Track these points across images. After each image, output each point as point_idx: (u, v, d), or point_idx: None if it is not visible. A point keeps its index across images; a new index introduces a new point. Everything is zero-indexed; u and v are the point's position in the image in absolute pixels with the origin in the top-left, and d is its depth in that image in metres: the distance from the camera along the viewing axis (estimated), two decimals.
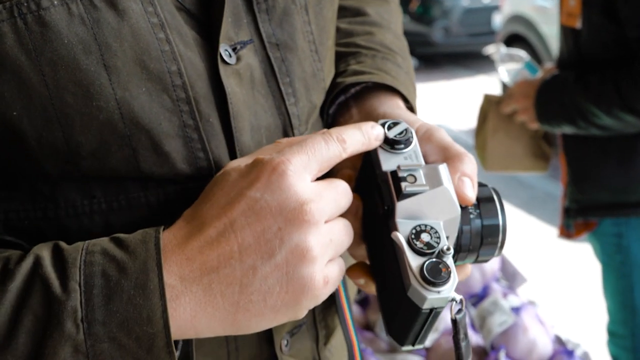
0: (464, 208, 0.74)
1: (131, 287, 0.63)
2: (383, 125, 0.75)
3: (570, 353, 1.59)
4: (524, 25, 6.54)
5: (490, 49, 3.77)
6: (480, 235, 0.75)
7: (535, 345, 1.61)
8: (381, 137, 0.73)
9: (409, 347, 0.72)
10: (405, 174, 0.71)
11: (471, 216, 0.75)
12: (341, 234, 0.69)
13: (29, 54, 0.64)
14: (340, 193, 0.69)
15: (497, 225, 0.76)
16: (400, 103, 0.88)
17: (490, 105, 2.33)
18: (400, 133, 0.74)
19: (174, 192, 0.72)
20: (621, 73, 1.85)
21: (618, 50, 1.89)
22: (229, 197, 0.66)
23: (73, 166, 0.68)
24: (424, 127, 0.79)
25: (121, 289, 0.63)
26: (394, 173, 0.71)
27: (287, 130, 0.81)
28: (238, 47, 0.76)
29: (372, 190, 0.75)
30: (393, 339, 0.72)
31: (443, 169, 0.72)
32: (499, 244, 0.76)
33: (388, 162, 0.73)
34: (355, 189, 0.80)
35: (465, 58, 9.76)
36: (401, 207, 0.70)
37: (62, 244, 0.66)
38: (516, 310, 1.63)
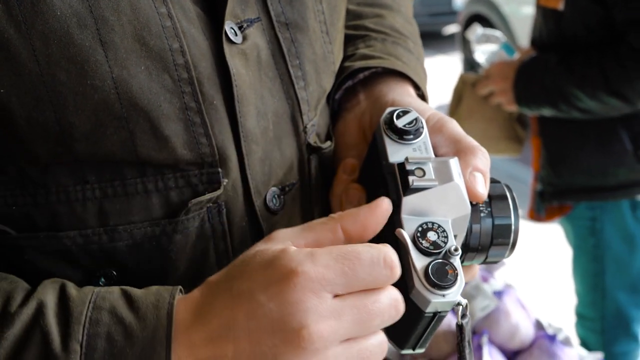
0: (474, 205, 0.70)
1: (136, 357, 0.59)
2: (392, 113, 0.71)
3: (552, 337, 1.58)
4: (485, 6, 6.54)
5: (452, 29, 3.75)
6: (491, 235, 0.71)
7: (517, 329, 1.60)
8: None
9: (409, 351, 0.68)
10: (413, 167, 0.66)
11: (482, 214, 0.71)
12: (366, 355, 0.61)
13: (18, 27, 0.60)
14: (372, 310, 0.60)
15: (509, 225, 0.71)
16: (410, 90, 0.84)
17: (465, 86, 2.30)
18: (410, 123, 0.70)
19: (173, 179, 0.68)
20: (606, 56, 1.84)
21: (602, 32, 1.88)
22: (240, 288, 0.60)
23: (65, 149, 0.63)
24: (435, 117, 0.75)
25: (125, 357, 0.59)
26: (401, 165, 0.67)
27: (296, 116, 0.76)
28: (244, 25, 0.71)
29: (377, 182, 0.71)
30: (392, 342, 0.68)
31: (454, 163, 0.68)
32: (510, 245, 0.72)
33: (396, 154, 0.69)
34: (358, 180, 0.77)
35: (425, 38, 9.74)
36: (407, 202, 0.66)
37: (70, 288, 0.63)
38: (498, 294, 1.62)
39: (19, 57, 0.60)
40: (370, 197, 0.72)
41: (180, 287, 0.64)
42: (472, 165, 0.69)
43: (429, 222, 0.65)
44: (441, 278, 0.62)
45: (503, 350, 1.60)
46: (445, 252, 0.64)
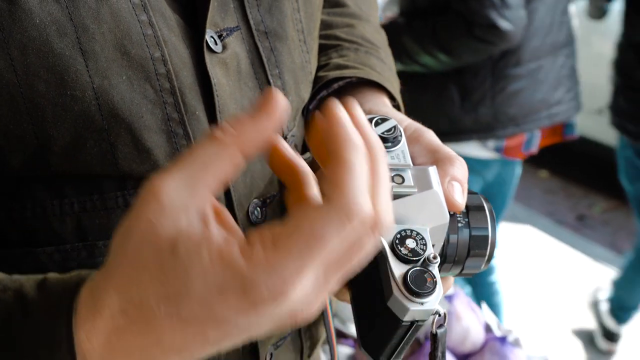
0: (452, 215, 0.69)
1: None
2: (370, 120, 0.70)
3: (502, 339, 1.60)
4: None
5: None
6: (468, 246, 0.70)
7: (469, 332, 1.62)
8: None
9: None
10: (392, 174, 0.65)
11: (459, 224, 0.70)
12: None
13: None
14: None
15: (487, 237, 0.71)
16: (386, 100, 0.83)
17: None
18: (389, 130, 0.69)
19: None
20: (438, 18, 2.18)
21: (441, 2, 2.19)
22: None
23: (43, 162, 0.61)
24: (412, 126, 0.74)
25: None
26: None
27: None
28: (224, 34, 0.70)
29: None
30: (367, 353, 0.67)
31: (433, 171, 0.67)
32: (487, 257, 0.72)
33: None
34: None
35: None
36: None
37: None
38: (449, 298, 1.63)
39: None
40: None
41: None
42: (450, 174, 0.69)
43: (408, 229, 0.64)
44: (420, 286, 0.60)
45: (455, 354, 1.62)
46: (424, 259, 0.62)
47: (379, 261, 0.63)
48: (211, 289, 0.44)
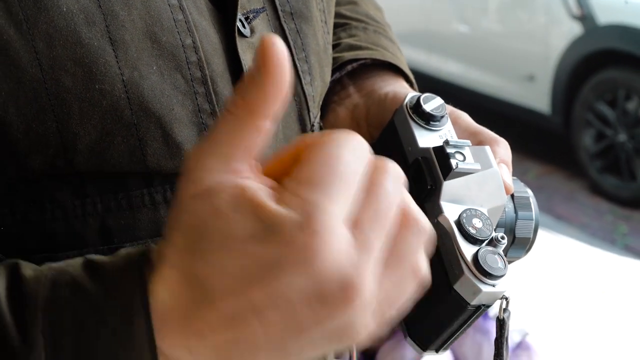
0: None
1: (109, 339, 0.46)
2: (417, 98, 0.66)
3: (484, 315, 1.60)
4: None
5: None
6: (513, 232, 0.68)
7: None
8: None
9: (432, 353, 0.64)
10: (453, 151, 0.61)
11: (506, 209, 0.67)
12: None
13: (18, 26, 0.52)
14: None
15: (531, 222, 0.68)
16: (404, 83, 0.80)
17: None
18: (437, 108, 0.66)
19: None
20: None
21: None
22: (243, 268, 0.44)
23: (65, 162, 0.56)
24: (446, 109, 0.72)
25: (98, 338, 0.46)
26: (440, 149, 0.62)
27: (303, 114, 0.70)
28: (251, 16, 0.65)
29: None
30: (414, 343, 0.64)
31: (489, 151, 0.64)
32: (529, 244, 0.69)
33: (423, 139, 0.65)
34: None
35: None
36: (448, 187, 0.60)
37: (24, 269, 0.49)
38: None
39: (19, 62, 0.52)
40: None
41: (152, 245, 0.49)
42: (499, 156, 0.66)
43: (472, 208, 0.60)
44: (493, 266, 0.57)
45: None
46: (492, 239, 0.59)
47: (440, 244, 0.59)
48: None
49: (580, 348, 2.89)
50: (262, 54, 0.44)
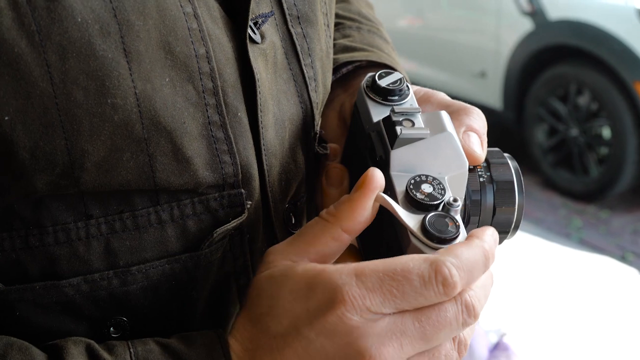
0: (471, 170, 0.63)
1: None
2: (373, 75, 0.64)
3: None
4: None
5: None
6: (493, 203, 0.64)
7: None
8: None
9: None
10: (400, 118, 0.58)
11: (481, 179, 0.64)
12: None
13: (31, 38, 0.49)
14: (437, 321, 0.52)
15: (513, 190, 0.64)
16: None
17: None
18: (394, 82, 0.63)
19: (190, 205, 0.58)
20: None
21: None
22: (279, 327, 0.53)
23: (71, 181, 0.52)
24: (421, 90, 0.69)
25: None
26: (387, 118, 0.59)
27: (308, 121, 0.68)
28: (259, 21, 0.62)
29: (362, 152, 0.63)
30: None
31: (445, 115, 0.61)
32: (515, 216, 0.65)
33: (380, 115, 0.62)
34: (341, 161, 0.70)
35: None
36: (396, 156, 0.58)
37: (100, 351, 0.53)
38: None
39: (30, 76, 0.49)
40: (354, 174, 0.65)
41: (225, 335, 0.55)
42: (466, 124, 0.63)
43: (422, 175, 0.57)
44: (441, 230, 0.54)
45: None
46: (444, 204, 0.56)
47: (394, 215, 0.56)
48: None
49: (548, 342, 2.91)
50: (364, 180, 0.56)
